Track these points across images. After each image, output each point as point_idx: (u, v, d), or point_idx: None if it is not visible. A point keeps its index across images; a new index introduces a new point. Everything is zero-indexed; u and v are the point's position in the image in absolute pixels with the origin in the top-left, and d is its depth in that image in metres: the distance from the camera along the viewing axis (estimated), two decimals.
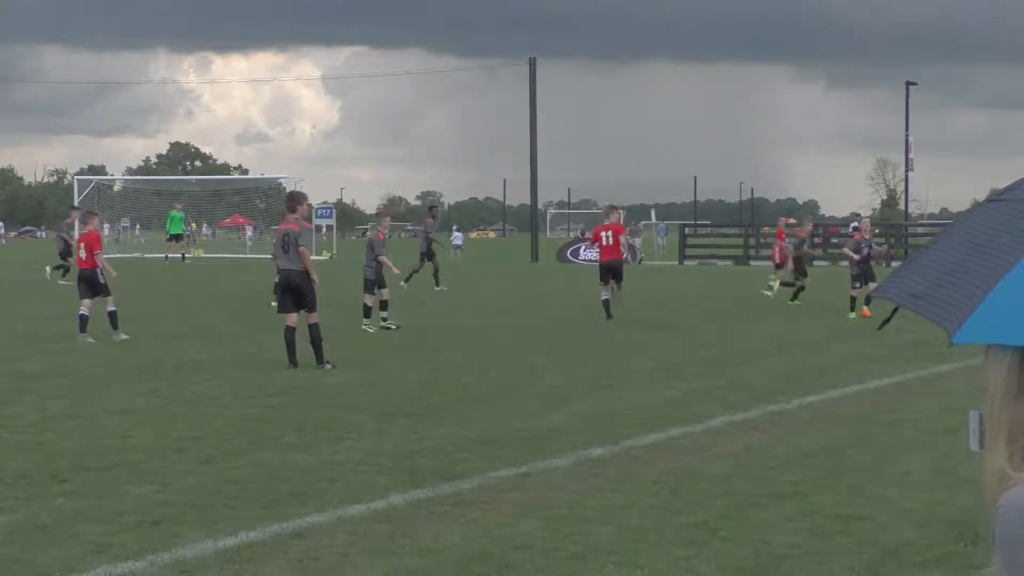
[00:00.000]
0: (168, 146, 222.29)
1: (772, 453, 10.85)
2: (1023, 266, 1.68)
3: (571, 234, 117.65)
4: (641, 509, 8.73)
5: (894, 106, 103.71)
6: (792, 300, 29.34)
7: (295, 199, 18.06)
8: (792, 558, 7.50)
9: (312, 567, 7.35)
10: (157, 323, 23.34)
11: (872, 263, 26.19)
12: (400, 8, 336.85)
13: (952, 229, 1.93)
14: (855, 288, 25.80)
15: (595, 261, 28.49)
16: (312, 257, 17.53)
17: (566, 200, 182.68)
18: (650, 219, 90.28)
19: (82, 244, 21.00)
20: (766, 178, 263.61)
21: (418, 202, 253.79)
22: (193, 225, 64.56)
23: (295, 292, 16.94)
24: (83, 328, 20.20)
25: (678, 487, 9.45)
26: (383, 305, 22.77)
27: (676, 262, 58.61)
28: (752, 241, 62.71)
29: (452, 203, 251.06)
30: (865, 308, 25.03)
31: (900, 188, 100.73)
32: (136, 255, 61.57)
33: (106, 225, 70.81)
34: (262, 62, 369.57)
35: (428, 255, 35.02)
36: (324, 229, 73.41)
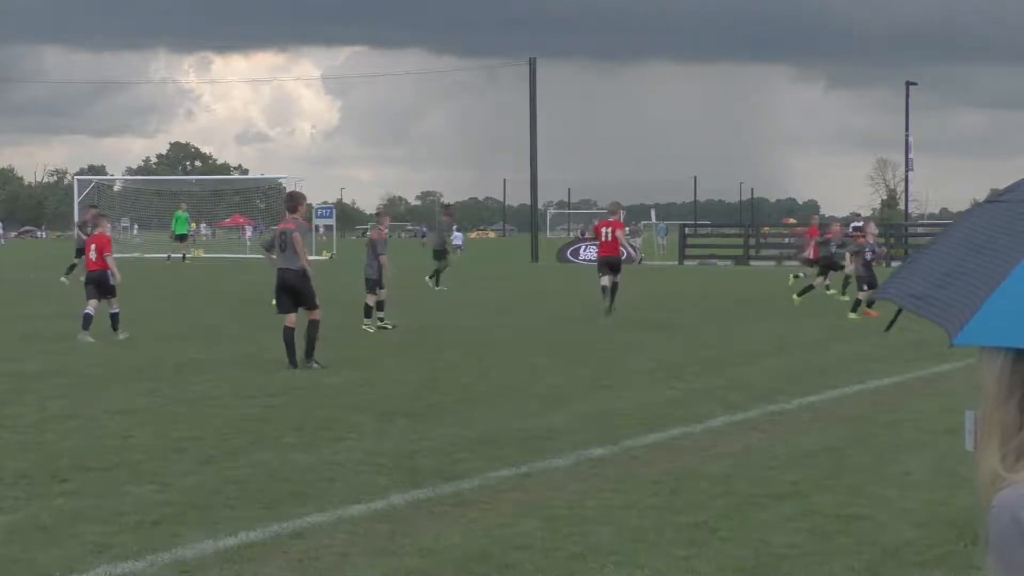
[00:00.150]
0: (168, 146, 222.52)
1: (772, 453, 10.86)
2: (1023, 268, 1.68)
3: (571, 234, 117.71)
4: (641, 509, 8.73)
5: (894, 106, 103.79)
6: (798, 295, 29.20)
7: (295, 199, 18.07)
8: (792, 558, 7.50)
9: (312, 567, 7.35)
10: (157, 323, 23.34)
11: (873, 265, 26.19)
12: (400, 8, 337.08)
13: (951, 230, 1.93)
14: (861, 291, 25.80)
15: (594, 261, 28.81)
16: (312, 257, 17.55)
17: (566, 200, 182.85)
18: (650, 219, 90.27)
19: (92, 245, 21.01)
20: (766, 178, 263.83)
21: (418, 202, 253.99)
22: (193, 225, 64.68)
23: (291, 291, 16.96)
24: (86, 326, 20.22)
25: (678, 487, 9.45)
26: (379, 305, 22.77)
27: (676, 262, 58.62)
28: (752, 241, 62.75)
29: (452, 203, 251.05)
30: (870, 310, 25.04)
31: (900, 188, 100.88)
32: (136, 255, 61.52)
33: (108, 225, 70.78)
34: (262, 62, 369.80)
35: (442, 253, 35.24)
36: (322, 229, 73.41)
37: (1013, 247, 1.73)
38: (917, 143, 71.31)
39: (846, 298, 31.52)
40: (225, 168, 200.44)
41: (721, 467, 10.22)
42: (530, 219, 69.59)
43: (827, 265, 30.39)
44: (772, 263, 57.96)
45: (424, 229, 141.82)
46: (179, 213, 55.60)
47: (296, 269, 16.93)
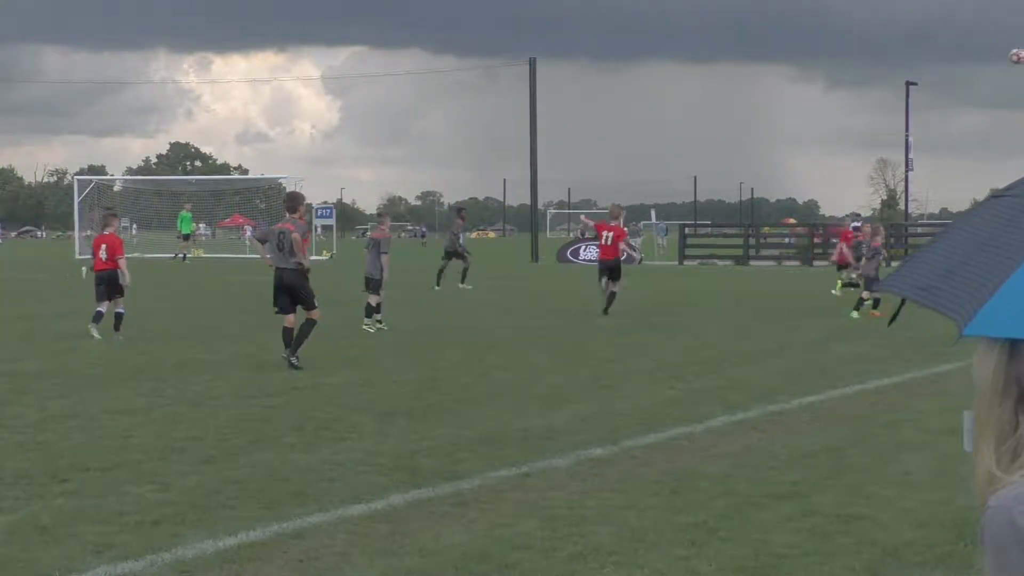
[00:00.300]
0: (168, 146, 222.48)
1: (772, 453, 10.86)
2: None
3: (571, 234, 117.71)
4: (641, 509, 8.73)
5: (894, 106, 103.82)
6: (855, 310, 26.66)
7: (295, 200, 18.09)
8: (792, 558, 7.50)
9: (312, 567, 7.35)
10: (157, 323, 23.34)
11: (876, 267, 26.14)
12: (400, 8, 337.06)
13: (956, 225, 1.93)
14: (868, 291, 25.76)
15: (594, 261, 29.00)
16: (313, 257, 17.55)
17: (566, 200, 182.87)
18: (650, 219, 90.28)
19: (103, 245, 21.01)
20: (766, 178, 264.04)
21: (418, 202, 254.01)
22: (194, 225, 64.97)
23: (289, 291, 16.95)
24: (97, 320, 20.48)
25: (678, 487, 9.45)
26: (378, 307, 22.75)
27: (676, 262, 58.62)
28: (752, 241, 62.80)
29: (452, 203, 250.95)
30: (875, 311, 25.03)
31: (900, 188, 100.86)
32: (136, 255, 61.49)
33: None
34: (262, 62, 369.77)
35: (454, 254, 35.51)
36: (319, 229, 73.35)
37: (1022, 239, 1.73)
38: (917, 143, 71.43)
39: (837, 293, 31.45)
40: (225, 168, 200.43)
41: (721, 467, 10.22)
42: (530, 219, 69.58)
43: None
44: (772, 263, 57.99)
45: (424, 229, 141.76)
46: (184, 213, 56.65)
47: (294, 268, 16.93)
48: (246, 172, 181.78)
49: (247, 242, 68.67)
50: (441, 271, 35.22)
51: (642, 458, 10.67)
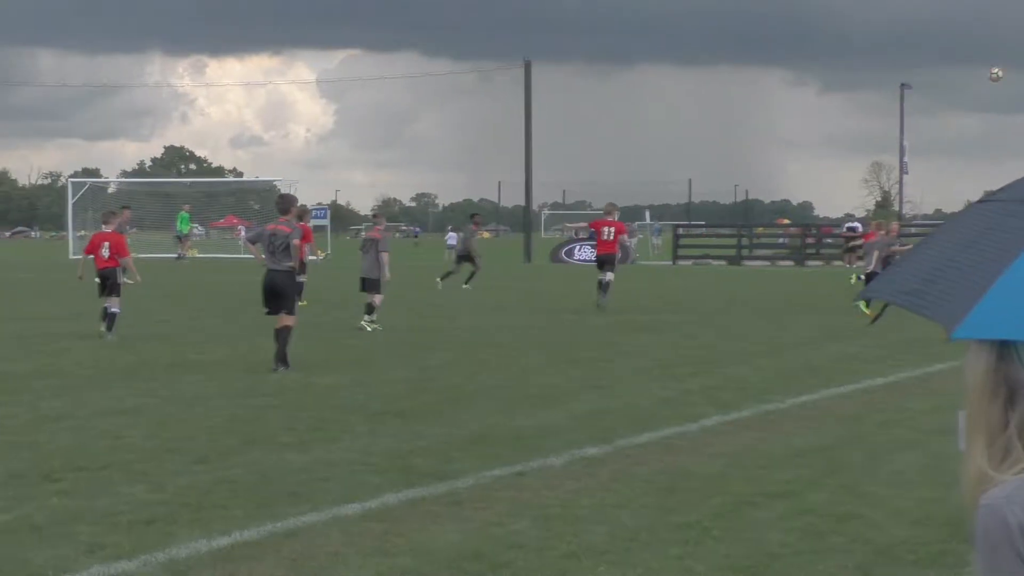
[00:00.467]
0: (163, 150, 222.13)
1: (766, 452, 10.86)
2: (1021, 263, 1.68)
3: (565, 235, 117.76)
4: (635, 508, 8.74)
5: (888, 109, 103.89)
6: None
7: (288, 201, 18.09)
8: (786, 557, 7.51)
9: (306, 567, 7.34)
10: (150, 323, 23.31)
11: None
12: (394, 11, 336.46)
13: (942, 230, 1.93)
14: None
15: (590, 261, 29.38)
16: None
17: (560, 201, 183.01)
18: (644, 219, 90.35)
19: (105, 243, 21.09)
20: (760, 180, 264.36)
21: (412, 203, 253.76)
22: (191, 226, 65.52)
23: (276, 292, 16.81)
24: (110, 326, 20.60)
25: (672, 486, 9.46)
26: (368, 308, 22.76)
27: (670, 262, 58.70)
28: (745, 241, 62.90)
29: (447, 204, 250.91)
30: (867, 310, 25.08)
31: (894, 190, 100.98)
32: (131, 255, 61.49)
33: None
34: (257, 65, 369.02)
35: (467, 258, 36.20)
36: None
37: (1009, 241, 1.73)
38: (911, 146, 71.35)
39: (854, 282, 31.42)
40: (220, 171, 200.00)
41: (715, 466, 10.23)
42: (523, 220, 69.59)
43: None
44: (766, 263, 58.08)
45: (418, 230, 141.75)
46: (183, 213, 57.83)
47: (285, 271, 16.87)
48: (241, 175, 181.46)
49: (241, 243, 68.72)
50: (450, 272, 36.02)
51: (636, 457, 10.67)
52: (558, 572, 7.22)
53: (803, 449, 11.02)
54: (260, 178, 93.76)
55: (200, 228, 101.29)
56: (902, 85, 70.82)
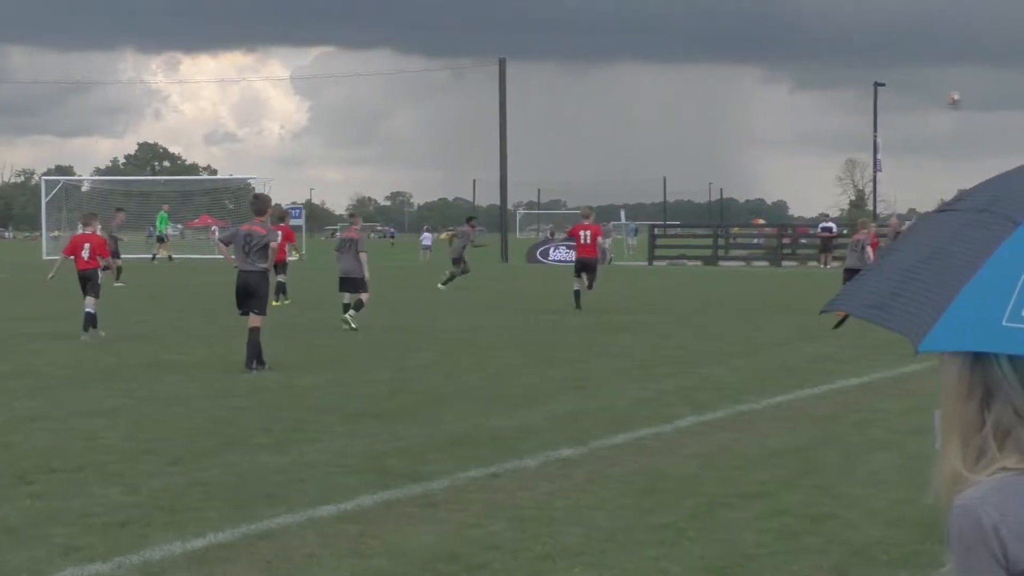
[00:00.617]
0: (136, 146, 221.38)
1: (741, 453, 10.89)
2: (984, 274, 1.69)
3: (540, 235, 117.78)
4: (610, 509, 8.75)
5: (862, 107, 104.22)
6: None
7: (263, 202, 18.01)
8: (761, 557, 7.53)
9: (281, 568, 7.33)
10: (130, 323, 23.21)
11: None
12: (368, 8, 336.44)
13: (900, 244, 1.94)
14: None
15: (566, 261, 29.39)
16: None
17: (536, 201, 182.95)
18: (620, 219, 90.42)
19: (87, 244, 21.17)
20: (735, 179, 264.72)
21: (387, 202, 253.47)
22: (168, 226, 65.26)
23: (248, 294, 16.71)
24: (93, 324, 20.56)
25: (647, 487, 9.47)
26: (357, 305, 22.76)
27: (646, 262, 58.76)
28: (721, 241, 63.03)
29: (421, 203, 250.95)
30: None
31: (869, 189, 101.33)
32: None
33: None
34: (230, 62, 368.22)
35: (461, 260, 36.40)
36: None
37: (970, 252, 1.73)
38: (885, 144, 71.68)
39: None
40: (194, 168, 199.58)
41: (690, 467, 10.25)
42: (499, 219, 69.59)
43: None
44: (741, 263, 58.21)
45: (393, 231, 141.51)
46: (162, 213, 57.50)
47: (258, 272, 16.79)
48: (215, 172, 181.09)
49: (214, 243, 68.58)
50: (453, 276, 36.12)
51: (611, 458, 10.68)
52: (533, 573, 7.22)
53: (778, 450, 11.05)
54: (235, 176, 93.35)
55: (176, 228, 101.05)
56: (875, 83, 71.11)
